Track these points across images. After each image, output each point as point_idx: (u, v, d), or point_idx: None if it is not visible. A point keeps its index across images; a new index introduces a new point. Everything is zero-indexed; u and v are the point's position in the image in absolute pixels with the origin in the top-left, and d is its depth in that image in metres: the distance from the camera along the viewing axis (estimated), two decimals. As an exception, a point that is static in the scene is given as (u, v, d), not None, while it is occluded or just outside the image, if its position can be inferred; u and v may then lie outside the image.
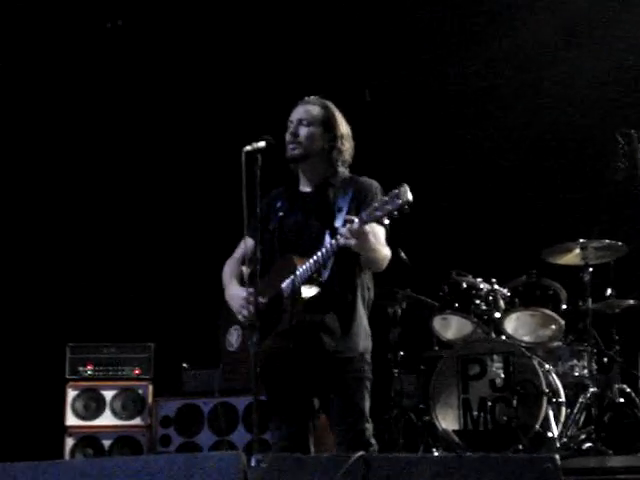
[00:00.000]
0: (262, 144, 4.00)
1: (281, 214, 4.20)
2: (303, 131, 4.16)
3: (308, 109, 4.21)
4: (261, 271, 3.87)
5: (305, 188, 4.26)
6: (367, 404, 4.05)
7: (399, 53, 7.81)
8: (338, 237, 3.79)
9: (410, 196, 3.61)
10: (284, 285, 3.98)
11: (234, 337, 4.21)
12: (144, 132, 8.05)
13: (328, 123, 4.19)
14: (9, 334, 7.61)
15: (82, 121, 8.03)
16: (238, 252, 4.36)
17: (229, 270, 4.33)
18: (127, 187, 8.07)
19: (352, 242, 3.72)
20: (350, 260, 4.01)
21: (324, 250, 3.87)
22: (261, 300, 3.92)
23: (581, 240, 6.27)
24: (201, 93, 7.93)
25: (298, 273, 3.92)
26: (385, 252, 4.01)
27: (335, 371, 4.01)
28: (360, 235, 3.72)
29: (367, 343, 4.13)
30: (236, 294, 4.15)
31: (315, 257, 3.89)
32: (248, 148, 3.94)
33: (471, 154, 7.80)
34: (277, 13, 7.63)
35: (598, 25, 7.40)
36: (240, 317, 4.10)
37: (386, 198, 3.65)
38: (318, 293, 3.93)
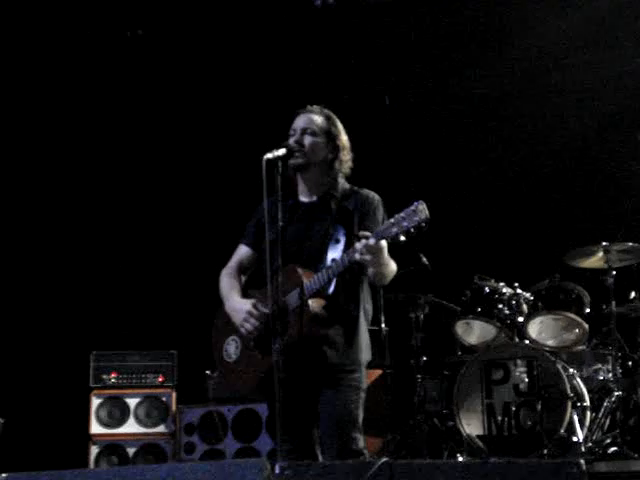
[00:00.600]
0: (282, 151, 4.01)
1: (281, 224, 4.07)
2: (308, 140, 4.14)
3: (312, 118, 4.19)
4: (259, 282, 3.86)
5: (304, 198, 4.23)
6: (360, 414, 4.02)
7: (418, 60, 7.82)
8: (352, 252, 3.77)
9: (428, 213, 3.60)
10: (289, 297, 3.93)
11: (232, 347, 4.17)
12: (166, 140, 8.10)
13: (331, 134, 4.18)
14: (34, 343, 7.66)
15: (102, 128, 8.09)
16: (234, 260, 4.35)
17: (227, 280, 4.29)
18: (152, 197, 8.12)
19: (368, 258, 3.72)
20: (355, 274, 4.01)
21: (334, 264, 3.85)
22: (264, 310, 3.91)
23: (604, 243, 6.23)
24: (221, 101, 7.96)
25: (305, 286, 3.89)
26: (393, 267, 3.99)
27: (333, 380, 3.99)
28: (376, 251, 3.71)
29: (368, 355, 4.15)
30: (239, 307, 4.12)
31: (325, 270, 3.87)
32: (269, 156, 3.94)
33: (493, 158, 7.79)
34: (298, 22, 7.66)
35: (615, 29, 7.38)
36: (243, 330, 4.07)
37: (403, 215, 3.64)
38: (324, 306, 3.92)
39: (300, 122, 4.19)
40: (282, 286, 3.92)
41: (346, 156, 4.22)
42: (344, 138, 4.23)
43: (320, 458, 4.03)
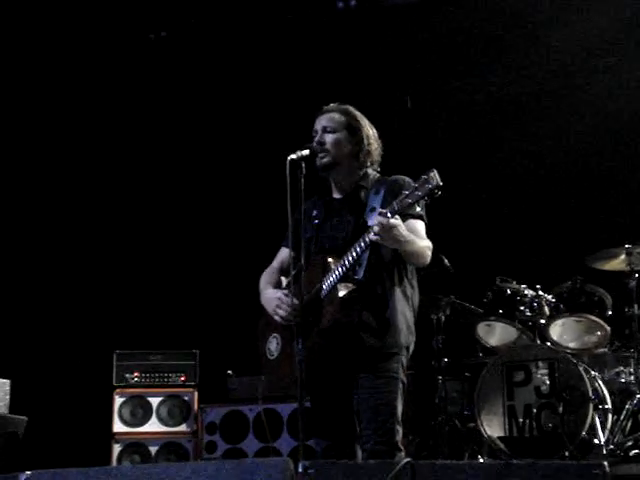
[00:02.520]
0: (306, 152, 4.04)
1: (316, 222, 4.21)
2: (329, 138, 4.18)
3: (330, 116, 4.23)
4: (298, 278, 3.89)
5: (337, 195, 4.28)
6: (400, 407, 4.00)
7: (440, 61, 7.83)
8: (369, 232, 3.78)
9: (439, 180, 3.61)
10: (320, 285, 3.99)
11: (273, 345, 4.23)
12: (192, 140, 8.15)
13: (352, 126, 4.21)
14: (57, 343, 7.72)
15: (127, 129, 8.15)
16: (275, 262, 4.42)
17: (265, 278, 4.38)
18: (175, 198, 8.17)
19: (382, 235, 3.71)
20: (387, 257, 4.00)
21: (357, 247, 3.86)
22: (295, 301, 3.93)
23: (626, 245, 6.22)
24: (245, 102, 7.99)
25: (333, 272, 3.94)
26: (422, 244, 3.97)
27: (371, 368, 3.97)
28: (391, 228, 3.71)
29: (409, 339, 4.09)
30: (270, 296, 4.21)
31: (349, 254, 3.89)
32: (293, 156, 3.97)
33: (516, 160, 7.78)
34: (321, 24, 7.69)
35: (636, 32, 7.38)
36: (277, 318, 4.13)
37: (415, 185, 3.65)
38: (354, 291, 3.93)
39: (320, 123, 4.24)
40: (314, 276, 4.00)
41: (373, 145, 4.24)
42: (367, 129, 4.25)
43: (359, 455, 4.02)
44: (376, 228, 3.72)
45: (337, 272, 3.92)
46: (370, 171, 4.24)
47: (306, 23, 7.70)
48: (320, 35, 7.74)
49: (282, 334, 4.16)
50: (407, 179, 4.06)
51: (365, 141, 4.21)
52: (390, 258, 4.02)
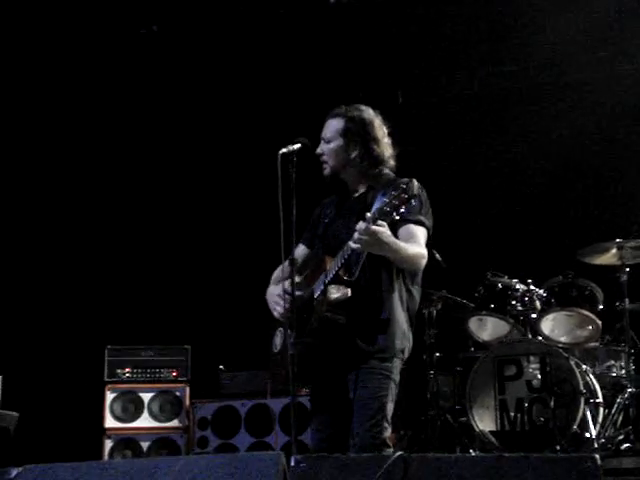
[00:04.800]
0: (297, 146, 4.03)
1: (326, 221, 4.22)
2: (326, 149, 4.17)
3: (329, 123, 4.20)
4: (292, 274, 3.89)
5: (351, 195, 4.25)
6: (390, 406, 3.96)
7: (430, 57, 7.85)
8: (353, 237, 3.74)
9: (416, 191, 3.57)
10: (315, 287, 4.00)
11: (278, 339, 4.25)
12: (183, 136, 8.14)
13: (350, 132, 4.13)
14: (49, 338, 7.71)
15: (117, 125, 8.14)
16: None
17: (276, 273, 4.35)
18: (167, 193, 8.16)
19: (362, 242, 3.66)
20: (384, 261, 3.96)
21: (347, 250, 3.82)
22: (295, 295, 3.90)
23: (617, 240, 6.23)
24: (236, 97, 7.99)
25: (329, 273, 3.92)
26: (412, 251, 3.90)
27: (363, 367, 3.95)
28: (372, 234, 3.65)
29: (403, 344, 4.05)
30: (271, 292, 4.23)
31: (340, 257, 3.88)
32: (284, 150, 3.97)
33: (507, 155, 7.80)
34: (313, 19, 7.69)
35: (630, 27, 7.38)
36: (275, 314, 4.15)
37: (394, 193, 3.58)
38: (347, 293, 3.91)
39: (323, 130, 4.22)
40: (314, 276, 4.01)
41: (380, 147, 4.16)
42: (374, 131, 4.16)
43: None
44: (356, 235, 3.68)
45: (331, 273, 3.92)
46: (386, 171, 4.17)
47: (298, 18, 7.69)
48: (312, 30, 7.73)
49: (285, 328, 4.16)
50: (415, 184, 3.78)
51: (370, 144, 4.13)
52: (386, 262, 3.98)
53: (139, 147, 8.14)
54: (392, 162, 4.21)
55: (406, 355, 4.10)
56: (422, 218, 4.00)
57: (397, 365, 4.02)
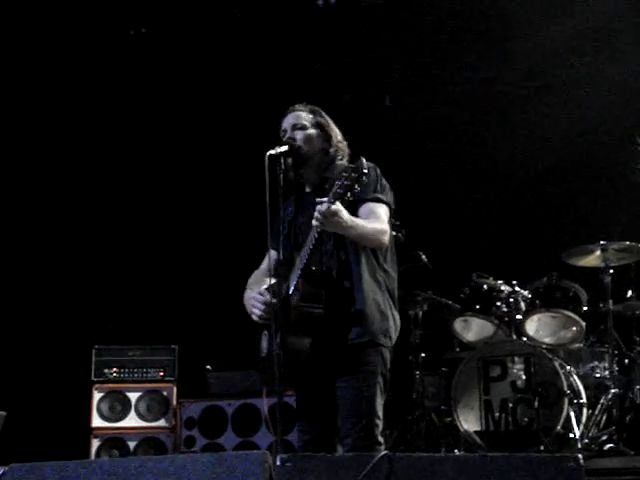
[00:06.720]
0: (285, 148, 4.06)
1: (289, 218, 4.23)
2: (299, 135, 4.20)
3: (298, 114, 4.26)
4: (273, 274, 3.92)
5: (308, 189, 4.29)
6: (379, 401, 3.97)
7: (418, 59, 7.87)
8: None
9: (366, 168, 3.63)
10: (289, 283, 4.01)
11: (264, 342, 4.24)
12: (168, 138, 8.14)
13: (320, 124, 4.24)
14: (36, 337, 7.70)
15: (107, 124, 8.13)
16: (263, 264, 4.40)
17: (251, 279, 4.39)
18: (151, 191, 8.16)
19: (322, 222, 3.70)
20: (352, 245, 4.00)
21: (311, 239, 3.85)
22: (273, 300, 3.95)
23: (601, 242, 6.28)
24: (223, 98, 8.00)
25: (298, 268, 3.94)
26: (371, 226, 3.94)
27: (348, 359, 3.96)
28: (330, 214, 3.69)
29: (385, 324, 4.04)
30: (248, 296, 4.23)
31: (306, 248, 3.90)
32: (271, 152, 3.99)
33: (492, 156, 7.83)
34: (301, 22, 7.71)
35: (618, 30, 7.42)
36: (254, 317, 4.15)
37: (345, 174, 3.63)
38: (316, 284, 3.94)
39: (287, 121, 4.26)
40: (286, 274, 4.01)
41: (341, 143, 4.26)
42: (334, 127, 4.28)
43: (339, 450, 4.00)
44: (316, 213, 3.71)
45: (300, 267, 3.94)
46: (338, 162, 4.21)
47: (286, 21, 7.71)
48: (299, 33, 7.75)
49: (269, 331, 4.18)
50: (355, 162, 3.80)
51: (333, 139, 4.23)
52: (354, 249, 4.01)
53: (126, 148, 8.13)
54: (347, 150, 4.28)
55: (393, 335, 4.09)
56: (379, 195, 4.06)
57: (384, 354, 4.02)
